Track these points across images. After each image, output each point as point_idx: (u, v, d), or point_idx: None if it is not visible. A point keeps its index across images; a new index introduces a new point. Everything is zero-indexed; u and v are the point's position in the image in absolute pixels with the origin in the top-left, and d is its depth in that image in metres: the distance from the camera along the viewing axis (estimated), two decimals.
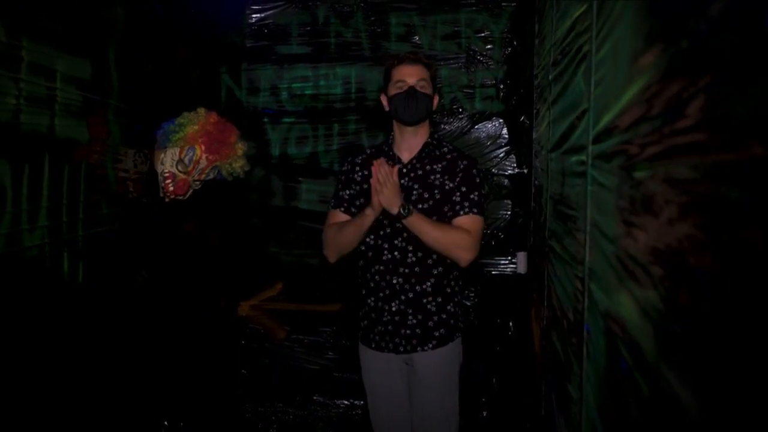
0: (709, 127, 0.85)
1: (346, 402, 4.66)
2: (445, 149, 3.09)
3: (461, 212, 2.95)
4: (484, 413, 4.45)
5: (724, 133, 0.81)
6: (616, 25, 1.44)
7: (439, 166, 3.01)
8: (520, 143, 4.31)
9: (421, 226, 2.83)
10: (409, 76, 2.97)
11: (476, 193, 2.98)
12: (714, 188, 0.82)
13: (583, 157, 1.82)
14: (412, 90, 2.95)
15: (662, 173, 1.03)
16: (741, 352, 0.76)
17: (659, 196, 1.03)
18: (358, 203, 3.10)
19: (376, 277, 3.03)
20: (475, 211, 2.96)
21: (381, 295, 3.02)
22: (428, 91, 2.99)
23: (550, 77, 2.84)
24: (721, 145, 0.81)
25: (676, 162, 0.96)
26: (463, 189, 2.97)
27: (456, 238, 2.89)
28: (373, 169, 2.85)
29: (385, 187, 2.77)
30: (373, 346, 3.08)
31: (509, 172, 4.38)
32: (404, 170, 3.02)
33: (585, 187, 1.79)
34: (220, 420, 4.42)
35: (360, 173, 3.13)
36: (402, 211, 2.79)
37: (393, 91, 3.00)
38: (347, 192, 3.15)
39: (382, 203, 2.80)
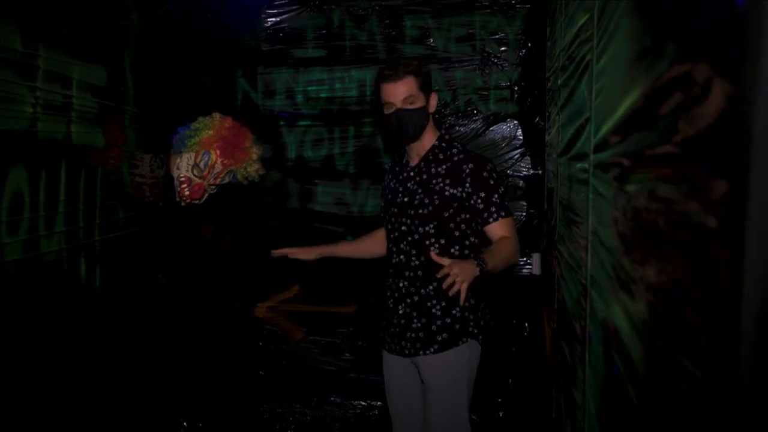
0: (689, 149, 0.87)
1: (363, 403, 4.68)
2: (454, 150, 3.04)
3: (491, 219, 2.92)
4: (501, 413, 4.46)
5: (702, 155, 0.83)
6: (613, 37, 1.46)
7: (443, 169, 2.98)
8: (535, 144, 4.31)
9: (494, 265, 2.76)
10: (394, 96, 2.91)
11: (496, 194, 2.93)
12: (690, 208, 0.84)
13: (586, 165, 1.83)
14: (399, 113, 2.91)
15: (648, 189, 1.04)
16: (716, 367, 0.78)
17: (645, 211, 1.05)
18: (389, 210, 3.15)
19: (390, 280, 3.08)
20: (503, 213, 2.93)
21: (393, 297, 3.05)
22: (418, 103, 2.92)
23: (559, 82, 2.84)
24: (698, 168, 0.83)
25: (660, 179, 0.97)
26: (482, 194, 2.92)
27: (509, 252, 2.89)
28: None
29: (459, 276, 2.57)
30: (386, 347, 3.12)
31: (524, 173, 4.38)
32: (411, 174, 3.04)
33: (587, 195, 1.80)
34: (238, 420, 4.46)
35: (387, 177, 3.27)
36: (483, 268, 2.69)
37: (384, 110, 2.97)
38: (383, 199, 3.28)
39: (468, 282, 2.61)
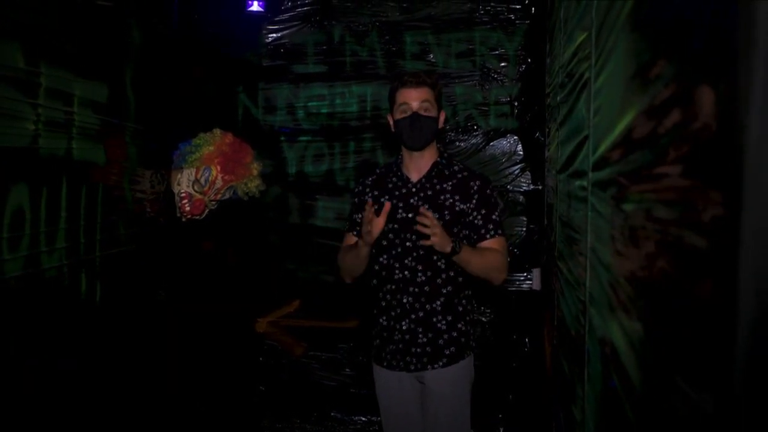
0: (684, 168, 0.88)
1: (363, 418, 4.67)
2: (456, 168, 3.08)
3: (487, 236, 2.97)
4: (501, 429, 4.45)
5: (697, 174, 0.83)
6: (610, 57, 1.47)
7: (449, 185, 3.00)
8: (535, 160, 4.32)
9: (468, 258, 2.83)
10: (413, 100, 2.95)
11: (495, 213, 3.00)
12: (685, 228, 0.85)
13: (585, 183, 1.84)
14: (415, 116, 2.94)
15: (645, 208, 1.05)
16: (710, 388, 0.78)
17: (641, 231, 1.06)
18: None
19: (388, 296, 3.05)
20: (499, 232, 2.99)
21: (392, 314, 3.03)
22: (433, 113, 2.97)
23: (558, 98, 2.86)
24: (693, 187, 0.84)
25: (656, 198, 0.98)
26: (483, 212, 2.98)
27: (494, 261, 2.92)
28: (366, 206, 2.81)
29: (435, 233, 2.68)
30: (385, 364, 3.09)
31: (524, 188, 4.39)
32: (413, 189, 3.02)
33: (586, 213, 1.81)
34: None
35: (371, 194, 3.14)
36: (456, 248, 2.77)
37: (397, 115, 2.99)
38: (359, 215, 3.18)
39: (436, 247, 2.73)
